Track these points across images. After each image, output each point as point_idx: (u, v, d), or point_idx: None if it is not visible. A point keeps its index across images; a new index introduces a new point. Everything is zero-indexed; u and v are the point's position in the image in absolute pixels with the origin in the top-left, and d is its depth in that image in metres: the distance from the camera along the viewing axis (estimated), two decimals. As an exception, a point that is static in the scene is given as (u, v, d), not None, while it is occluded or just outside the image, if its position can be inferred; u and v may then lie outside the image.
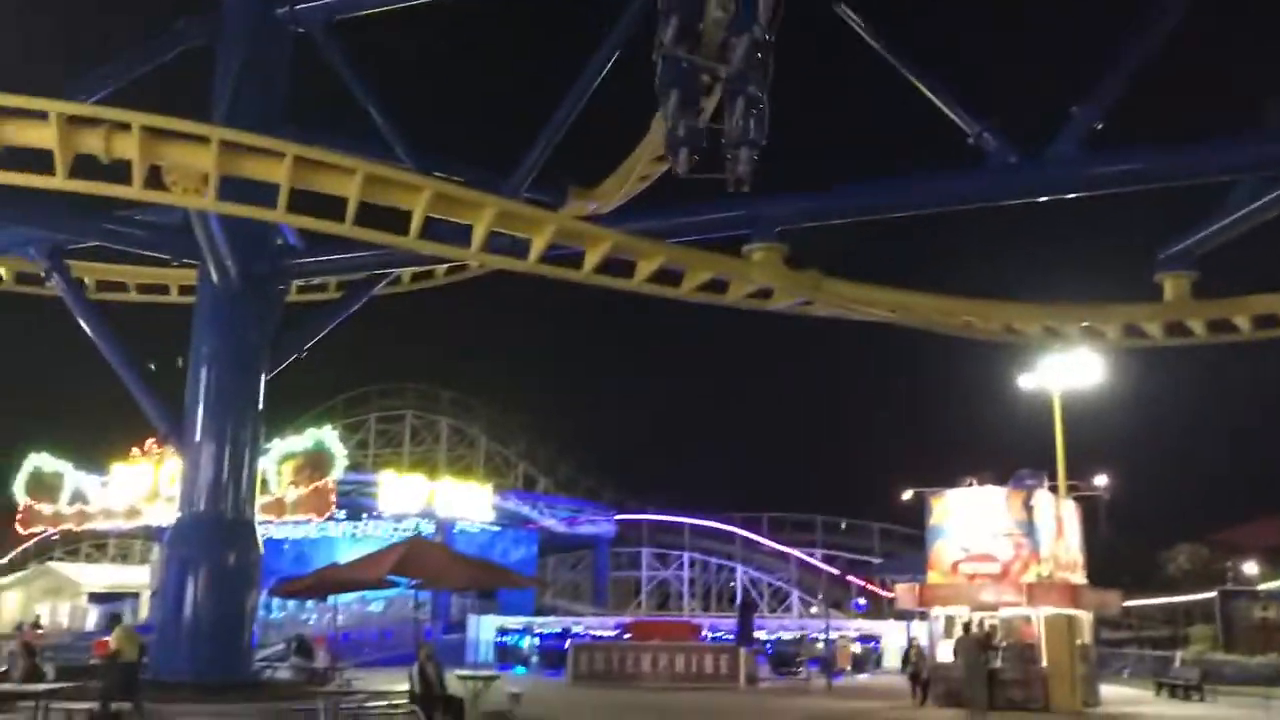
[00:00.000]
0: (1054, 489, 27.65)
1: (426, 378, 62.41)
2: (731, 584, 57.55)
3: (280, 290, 20.76)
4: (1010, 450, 48.89)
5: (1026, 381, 31.05)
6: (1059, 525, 25.45)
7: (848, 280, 17.12)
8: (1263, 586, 40.27)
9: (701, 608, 55.38)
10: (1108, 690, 26.26)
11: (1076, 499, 28.93)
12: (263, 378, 19.77)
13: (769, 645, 33.33)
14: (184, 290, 22.50)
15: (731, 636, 31.62)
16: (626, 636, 33.24)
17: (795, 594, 52.77)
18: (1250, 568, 47.74)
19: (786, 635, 35.24)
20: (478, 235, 15.42)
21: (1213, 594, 37.70)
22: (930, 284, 17.95)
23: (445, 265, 22.31)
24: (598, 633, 35.86)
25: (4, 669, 17.67)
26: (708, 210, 17.17)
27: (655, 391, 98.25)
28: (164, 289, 23.32)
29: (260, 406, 19.78)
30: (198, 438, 19.19)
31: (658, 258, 15.98)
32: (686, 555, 57.88)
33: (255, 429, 19.91)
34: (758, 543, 54.37)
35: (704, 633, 34.06)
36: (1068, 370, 29.58)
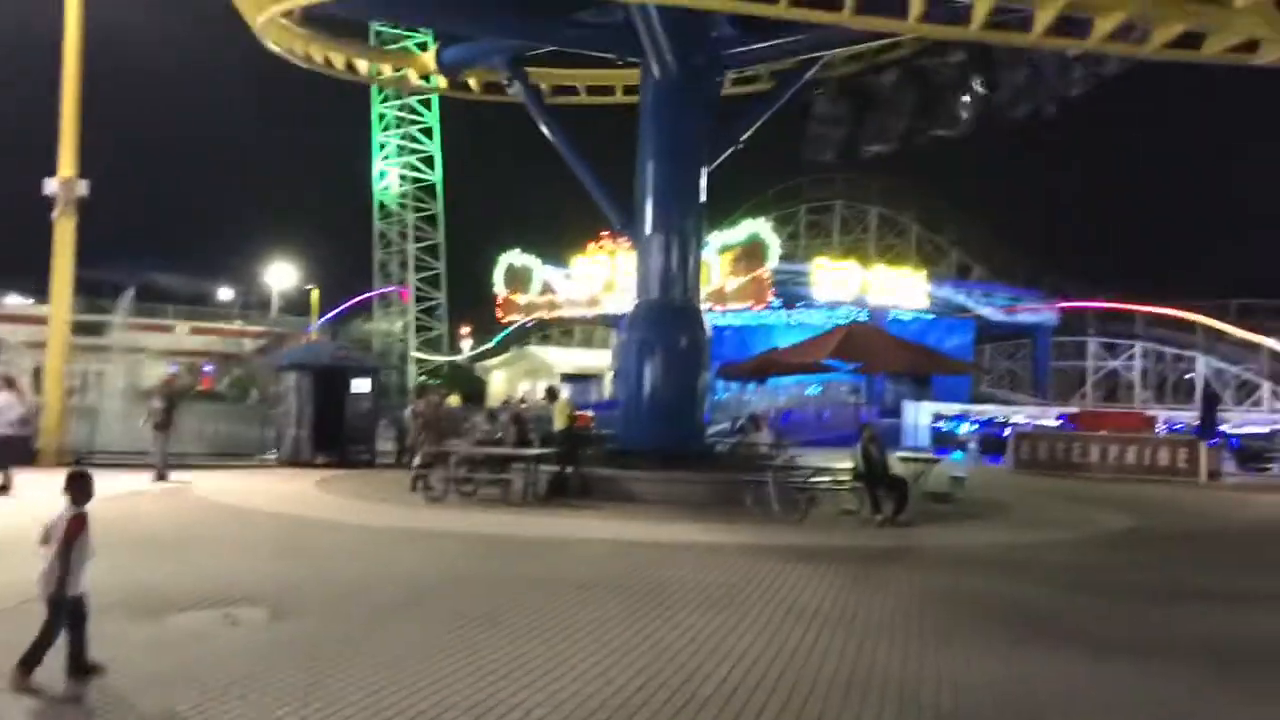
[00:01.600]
0: None
1: (855, 167, 61.50)
2: (1189, 375, 53.16)
3: (717, 82, 21.11)
4: None
5: None
6: None
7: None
8: None
9: (1155, 400, 51.88)
10: None
11: None
12: (704, 169, 20.43)
13: (1235, 440, 30.70)
14: (627, 90, 23.52)
15: (1190, 429, 29.48)
16: (1070, 426, 32.03)
17: (1266, 386, 47.89)
18: None
19: (1255, 429, 32.25)
20: (915, 3, 14.63)
21: None
22: None
23: (878, 44, 21.47)
24: (1039, 422, 34.80)
25: (499, 436, 20.20)
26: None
27: (1104, 168, 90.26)
28: (610, 90, 24.49)
29: (703, 197, 20.52)
30: (648, 229, 20.31)
31: (1121, 12, 14.36)
32: (1139, 345, 54.07)
33: (699, 219, 20.77)
34: (1223, 331, 49.53)
35: (1159, 426, 31.99)
36: None
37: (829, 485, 17.78)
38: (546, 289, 44.21)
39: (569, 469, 18.31)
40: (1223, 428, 30.36)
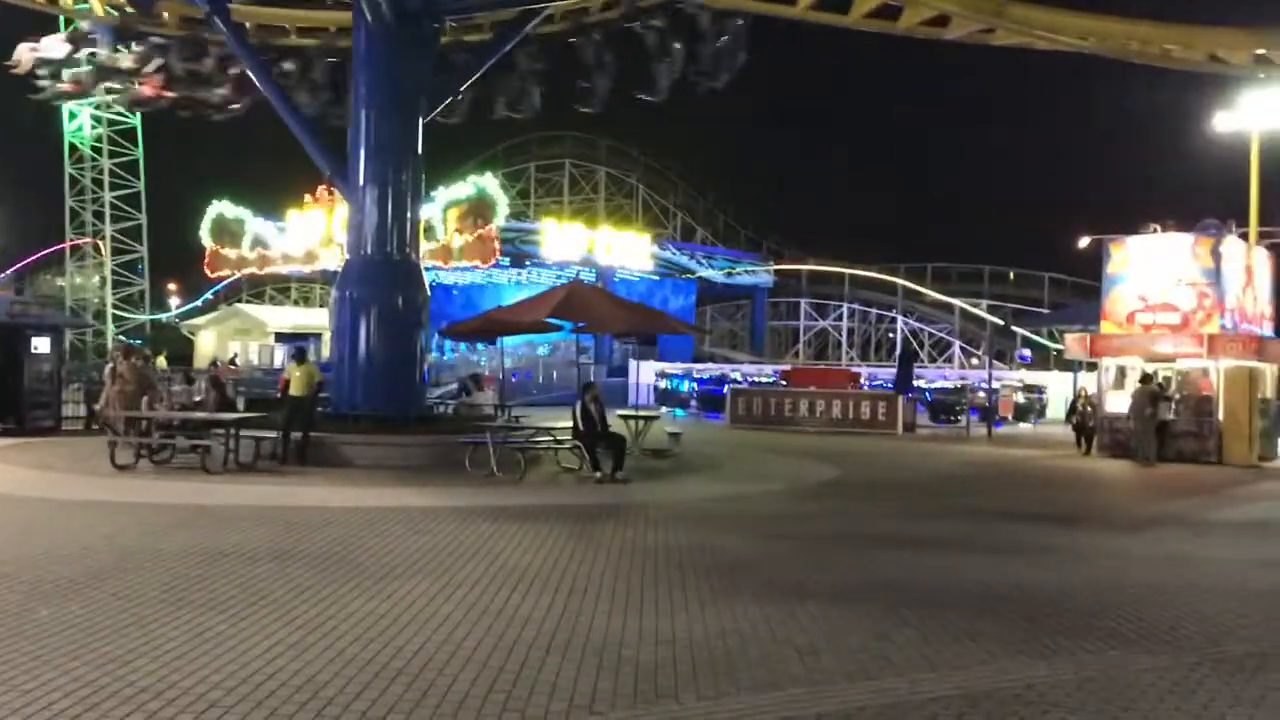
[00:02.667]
0: (1244, 237, 25.88)
1: (585, 125, 61.73)
2: (891, 334, 57.08)
3: (435, 29, 20.38)
4: (1198, 195, 45.96)
5: (1223, 122, 28.15)
6: (1248, 275, 24.08)
7: (1034, 5, 15.71)
8: None
9: (860, 357, 55.38)
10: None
11: (1270, 247, 27.01)
12: (420, 121, 19.74)
13: (929, 394, 33.11)
14: (340, 32, 22.36)
15: (890, 385, 31.52)
16: (784, 383, 33.56)
17: (957, 344, 52.06)
18: None
19: (947, 385, 34.94)
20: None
21: None
22: (1125, 8, 16.37)
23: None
24: (756, 379, 36.28)
25: (199, 399, 18.90)
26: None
27: (815, 138, 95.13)
28: (323, 31, 23.20)
29: (420, 150, 19.83)
30: (361, 181, 19.46)
31: (825, -18, 14.88)
32: (846, 305, 57.43)
33: (416, 171, 20.07)
34: (920, 292, 53.37)
35: (863, 381, 34.03)
36: (1273, 108, 26.79)
37: (549, 444, 17.73)
38: (259, 243, 41.81)
39: (299, 435, 17.26)
40: (918, 383, 32.64)
